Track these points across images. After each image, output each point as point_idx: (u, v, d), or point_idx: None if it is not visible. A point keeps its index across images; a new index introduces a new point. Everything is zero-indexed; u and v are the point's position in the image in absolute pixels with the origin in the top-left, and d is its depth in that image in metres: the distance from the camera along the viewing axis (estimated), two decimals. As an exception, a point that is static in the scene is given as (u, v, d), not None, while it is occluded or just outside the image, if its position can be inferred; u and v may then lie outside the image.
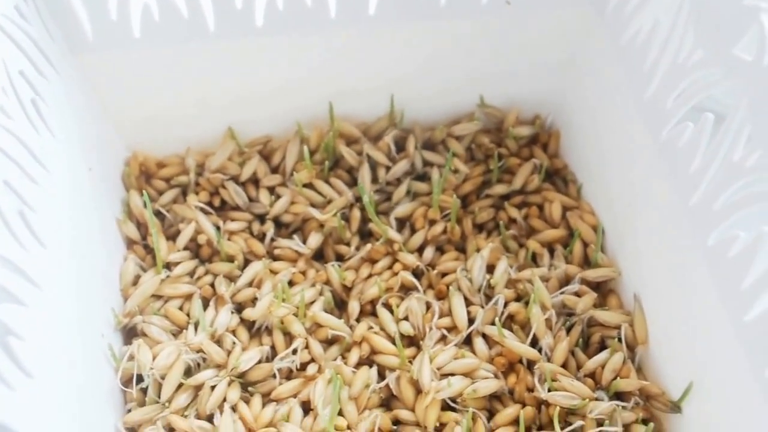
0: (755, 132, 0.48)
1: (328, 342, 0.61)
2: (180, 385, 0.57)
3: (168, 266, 0.64)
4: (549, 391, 0.56)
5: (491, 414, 0.57)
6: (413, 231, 0.67)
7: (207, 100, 0.68)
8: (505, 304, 0.61)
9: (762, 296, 0.47)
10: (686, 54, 0.54)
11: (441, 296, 0.62)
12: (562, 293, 0.62)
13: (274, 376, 0.58)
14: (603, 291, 0.64)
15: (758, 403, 0.47)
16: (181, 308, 0.62)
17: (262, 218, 0.68)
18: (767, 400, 0.46)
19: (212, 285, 0.63)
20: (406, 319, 0.61)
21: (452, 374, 0.57)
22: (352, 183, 0.69)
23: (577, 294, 0.62)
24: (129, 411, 0.57)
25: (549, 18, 0.66)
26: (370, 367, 0.59)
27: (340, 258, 0.66)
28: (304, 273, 0.64)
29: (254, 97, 0.68)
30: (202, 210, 0.66)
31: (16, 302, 0.46)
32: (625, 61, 0.62)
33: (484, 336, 0.60)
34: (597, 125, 0.67)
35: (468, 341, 0.60)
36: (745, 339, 0.48)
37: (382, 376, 0.59)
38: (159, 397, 0.56)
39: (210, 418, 0.55)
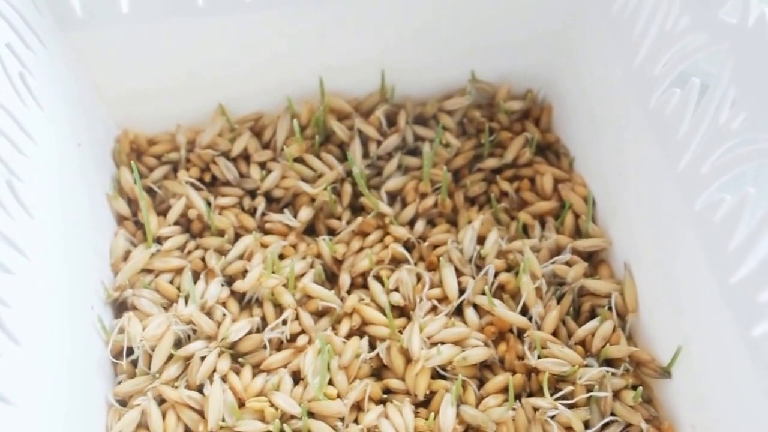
0: (740, 94, 0.48)
1: (319, 314, 0.61)
2: (170, 357, 0.57)
3: (158, 241, 0.64)
4: (539, 358, 0.56)
5: (481, 383, 0.57)
6: (404, 204, 0.67)
7: (197, 77, 0.68)
8: (496, 275, 0.61)
9: (747, 257, 0.47)
10: (673, 21, 0.55)
11: (432, 268, 0.63)
12: (552, 263, 0.62)
13: (264, 347, 0.58)
14: (594, 261, 0.64)
15: (745, 363, 0.47)
16: (171, 282, 0.62)
17: (252, 193, 0.68)
18: (754, 360, 0.46)
19: (203, 259, 0.63)
20: (396, 290, 0.61)
21: (442, 343, 0.57)
22: (343, 158, 0.69)
23: (568, 264, 0.62)
24: (119, 383, 0.57)
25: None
26: (361, 338, 0.59)
27: (331, 232, 0.66)
28: (294, 246, 0.64)
29: (244, 73, 0.68)
30: (192, 185, 0.66)
31: (2, 270, 0.46)
32: (615, 32, 0.62)
33: (475, 306, 0.60)
34: (588, 97, 0.67)
35: (459, 312, 0.60)
36: (731, 300, 0.48)
37: (372, 347, 0.59)
38: (149, 369, 0.57)
39: (200, 389, 0.56)
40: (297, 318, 0.60)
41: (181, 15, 0.62)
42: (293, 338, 0.59)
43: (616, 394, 0.55)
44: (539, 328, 0.59)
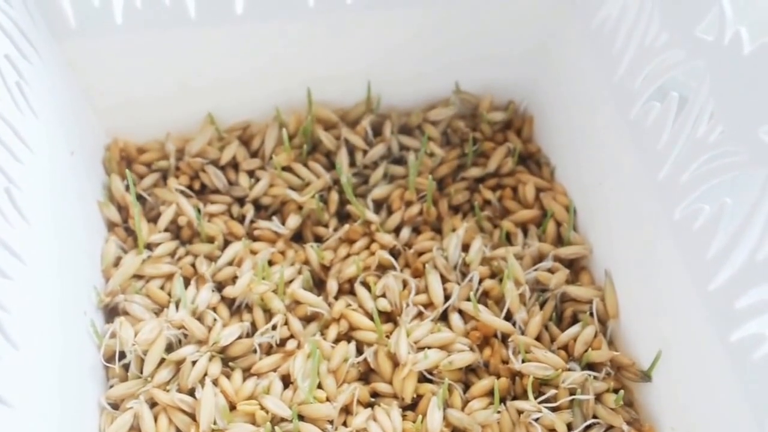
0: (717, 108, 0.50)
1: (307, 319, 0.62)
2: (162, 361, 0.58)
3: (149, 247, 0.65)
4: (523, 362, 0.57)
5: (467, 386, 0.59)
6: (390, 212, 0.68)
7: (187, 86, 0.69)
8: (480, 281, 0.62)
9: (725, 265, 0.49)
10: (652, 37, 0.56)
11: (417, 274, 0.64)
12: (535, 270, 0.63)
13: (254, 351, 0.59)
14: (575, 268, 0.65)
15: (723, 367, 0.48)
16: (162, 288, 0.63)
17: (241, 201, 0.69)
18: (731, 364, 0.48)
19: (193, 265, 0.64)
20: (383, 296, 0.62)
21: (429, 347, 0.58)
22: (330, 167, 0.70)
23: (551, 271, 0.63)
24: (111, 386, 0.58)
25: (521, 4, 0.68)
26: (349, 342, 0.60)
27: (318, 240, 0.68)
28: (283, 253, 0.66)
29: (234, 83, 0.70)
30: (182, 193, 0.67)
31: (2, 276, 0.47)
32: (595, 46, 0.63)
33: (460, 312, 0.61)
34: (569, 109, 0.69)
35: (444, 317, 0.62)
36: (709, 307, 0.50)
37: (360, 352, 0.60)
38: (141, 373, 0.57)
39: (191, 392, 0.57)
40: (286, 323, 0.61)
41: (172, 26, 0.63)
42: (282, 343, 0.60)
43: (598, 397, 0.57)
44: (523, 333, 0.60)
